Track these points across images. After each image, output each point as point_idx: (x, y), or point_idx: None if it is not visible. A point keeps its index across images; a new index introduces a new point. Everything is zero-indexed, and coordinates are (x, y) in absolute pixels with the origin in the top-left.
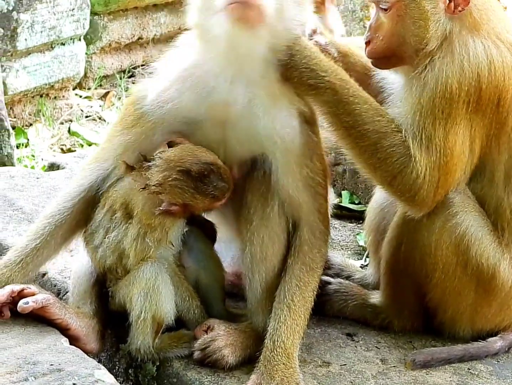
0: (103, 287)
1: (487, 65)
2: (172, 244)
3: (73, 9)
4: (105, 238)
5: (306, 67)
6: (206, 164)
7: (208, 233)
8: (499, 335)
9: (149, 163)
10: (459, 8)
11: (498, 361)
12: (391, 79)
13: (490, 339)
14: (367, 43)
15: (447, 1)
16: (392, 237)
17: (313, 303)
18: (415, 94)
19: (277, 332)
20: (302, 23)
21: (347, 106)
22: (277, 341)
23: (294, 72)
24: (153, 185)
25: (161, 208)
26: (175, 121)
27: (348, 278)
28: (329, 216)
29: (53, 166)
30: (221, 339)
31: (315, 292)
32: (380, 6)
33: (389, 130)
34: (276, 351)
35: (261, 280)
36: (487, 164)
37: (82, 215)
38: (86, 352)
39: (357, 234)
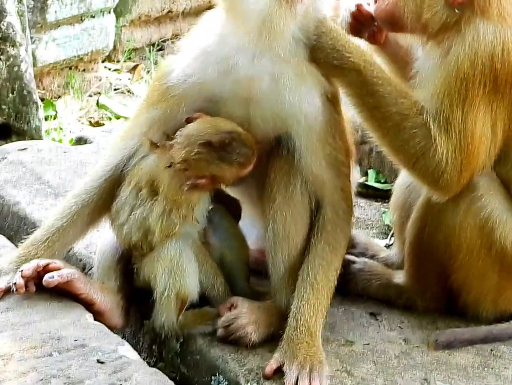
0: (128, 263)
1: (499, 45)
2: (198, 221)
3: None
4: (130, 215)
5: (332, 48)
6: (226, 132)
7: (233, 210)
8: None
9: (171, 142)
10: (459, 0)
11: None
12: (417, 58)
13: None
14: (375, 1)
15: None
16: (416, 218)
17: (336, 282)
18: (431, 76)
19: (300, 310)
20: (330, 5)
21: (370, 87)
22: (300, 319)
23: (320, 53)
24: (178, 163)
25: (189, 183)
26: (200, 97)
27: (372, 257)
28: (353, 195)
29: (80, 141)
30: (245, 316)
31: (338, 271)
32: None
33: (412, 112)
34: (299, 329)
35: (284, 258)
36: (511, 148)
37: (109, 194)
38: (111, 328)
39: (383, 213)
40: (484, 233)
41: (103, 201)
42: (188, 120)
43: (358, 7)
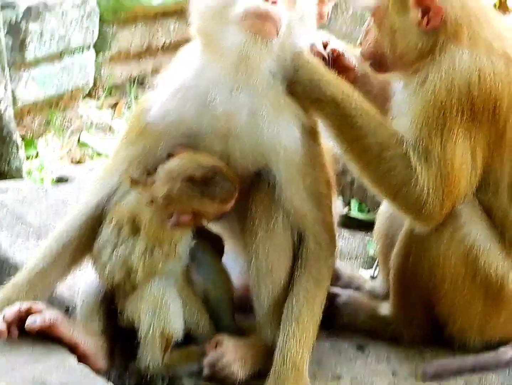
0: (111, 303)
1: (476, 72)
2: (180, 258)
3: (82, 18)
4: (112, 254)
5: (310, 80)
6: (208, 167)
7: (216, 246)
8: (509, 345)
9: (152, 178)
10: (433, 24)
11: (510, 372)
12: (395, 89)
13: (501, 349)
14: (360, 44)
15: (420, 17)
16: (400, 247)
17: (321, 315)
18: (409, 106)
19: (286, 346)
20: (306, 36)
21: (349, 119)
22: (286, 355)
23: (298, 86)
24: (159, 199)
25: (171, 220)
26: (179, 133)
27: (357, 289)
28: (335, 226)
29: (61, 179)
30: (230, 354)
31: (323, 304)
32: (368, 11)
33: (392, 142)
34: (286, 365)
35: (268, 293)
36: (491, 175)
37: (91, 233)
38: (95, 370)
39: (367, 242)
40: (468, 261)
41: (84, 240)
42: (170, 155)
43: (311, 47)
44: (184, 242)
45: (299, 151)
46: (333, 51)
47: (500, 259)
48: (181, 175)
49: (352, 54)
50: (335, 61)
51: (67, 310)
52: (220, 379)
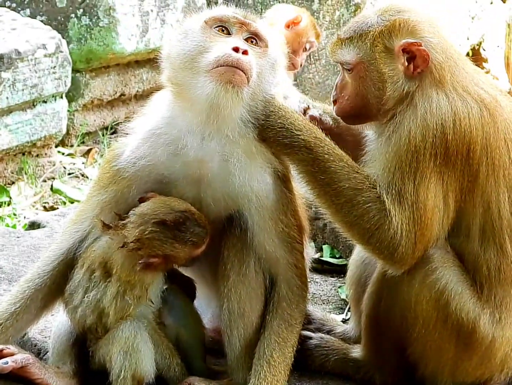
0: (83, 346)
1: (451, 116)
2: (152, 301)
3: (55, 66)
4: (84, 298)
5: (281, 126)
6: (180, 212)
7: (188, 290)
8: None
9: (124, 221)
10: (419, 70)
11: None
12: (369, 138)
13: None
14: (334, 102)
15: (406, 63)
16: (372, 292)
17: (293, 359)
18: (382, 151)
19: None
20: (276, 84)
21: (322, 164)
22: None
23: (270, 132)
24: (131, 242)
25: (141, 262)
26: (150, 179)
27: (329, 332)
28: (307, 271)
29: (33, 225)
30: None
31: (295, 348)
32: (344, 66)
33: (365, 186)
34: None
35: (239, 336)
36: (463, 219)
37: (62, 278)
38: None
39: (339, 287)
40: (440, 305)
41: (56, 285)
42: (141, 200)
43: (310, 115)
44: (156, 285)
45: (271, 197)
46: (311, 118)
47: (471, 303)
48: (152, 219)
49: (329, 115)
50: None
51: (39, 353)
52: None
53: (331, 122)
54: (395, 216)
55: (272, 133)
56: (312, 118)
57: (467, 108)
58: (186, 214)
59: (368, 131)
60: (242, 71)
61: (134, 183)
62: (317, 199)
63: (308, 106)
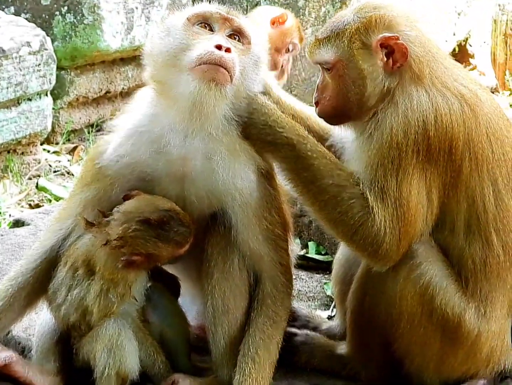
0: (67, 344)
1: (432, 113)
2: (136, 299)
3: (39, 64)
4: (67, 296)
5: (264, 124)
6: (165, 211)
7: (172, 287)
8: (466, 383)
9: (108, 219)
10: (398, 64)
11: None
12: (345, 136)
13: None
14: (316, 103)
15: (385, 58)
16: (356, 288)
17: (278, 355)
18: (364, 149)
19: None
20: (259, 82)
21: (305, 161)
22: None
23: (253, 129)
24: (114, 240)
25: (123, 259)
26: (133, 177)
27: (314, 329)
28: (292, 268)
29: (18, 223)
30: None
31: (279, 345)
32: (324, 66)
33: (349, 183)
34: None
35: (224, 333)
36: (447, 214)
37: (46, 276)
38: None
39: (325, 284)
40: (425, 300)
41: (39, 283)
42: (126, 198)
43: None
44: (139, 283)
45: (255, 194)
46: None
47: (456, 298)
48: (136, 217)
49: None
50: None
51: (23, 351)
52: None
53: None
54: (378, 212)
55: (255, 130)
56: None
57: (448, 104)
58: (170, 213)
59: (348, 130)
60: (225, 69)
61: (117, 181)
62: (300, 196)
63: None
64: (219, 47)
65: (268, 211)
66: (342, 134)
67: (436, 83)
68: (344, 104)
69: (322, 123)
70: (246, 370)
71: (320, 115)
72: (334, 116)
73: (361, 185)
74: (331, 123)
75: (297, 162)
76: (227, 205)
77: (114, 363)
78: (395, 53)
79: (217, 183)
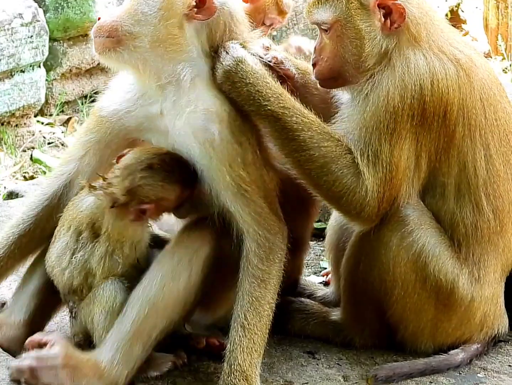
0: (46, 303)
1: (429, 77)
2: (138, 261)
3: (32, 36)
4: (72, 259)
5: (248, 94)
6: (163, 154)
7: None
8: (460, 348)
9: (109, 180)
10: (395, 25)
11: (460, 373)
12: (342, 96)
13: (451, 352)
14: (314, 65)
15: (383, 19)
16: (350, 255)
17: (271, 316)
18: (360, 110)
19: (233, 354)
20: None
21: (290, 133)
22: (234, 364)
23: (237, 98)
24: (122, 195)
25: (133, 209)
26: (125, 124)
27: (310, 296)
28: (281, 224)
29: (12, 195)
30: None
31: (272, 304)
32: (322, 27)
33: (337, 153)
34: (233, 374)
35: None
36: (438, 179)
37: (47, 223)
38: None
39: (321, 260)
40: (418, 267)
41: (40, 230)
42: (119, 157)
43: (272, 56)
44: (144, 243)
45: (218, 148)
46: (273, 57)
47: (449, 264)
48: (139, 166)
49: (293, 64)
50: (275, 69)
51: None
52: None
53: (294, 71)
54: (368, 178)
55: (239, 99)
56: (274, 58)
57: (444, 69)
58: (169, 155)
59: (344, 93)
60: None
61: (112, 126)
62: (287, 162)
63: (270, 46)
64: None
65: (233, 166)
66: (341, 93)
67: (433, 47)
68: (342, 65)
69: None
70: (236, 338)
71: (317, 77)
72: (331, 78)
73: (351, 152)
74: (327, 87)
75: (282, 133)
76: (199, 161)
77: (110, 326)
78: (392, 14)
79: (189, 138)
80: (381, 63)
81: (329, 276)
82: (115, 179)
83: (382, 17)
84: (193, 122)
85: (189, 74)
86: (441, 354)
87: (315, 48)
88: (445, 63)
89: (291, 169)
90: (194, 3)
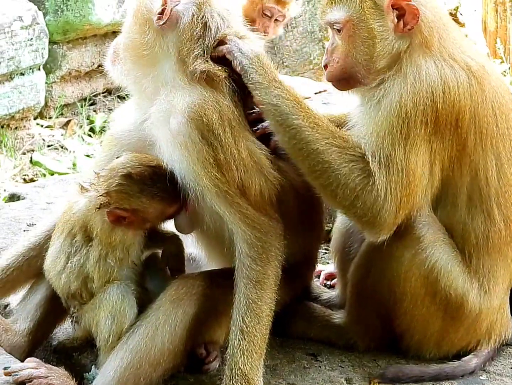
0: (51, 312)
1: (440, 85)
2: (135, 263)
3: (31, 39)
4: (67, 264)
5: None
6: (148, 166)
7: (173, 249)
8: (472, 353)
9: (97, 178)
10: (408, 27)
11: (462, 376)
12: (353, 103)
13: (464, 358)
14: (325, 66)
15: (396, 20)
16: (359, 265)
17: (272, 316)
18: (372, 115)
19: (233, 358)
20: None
21: (298, 135)
22: (234, 368)
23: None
24: (100, 196)
25: (107, 210)
26: (128, 142)
27: (315, 299)
28: (272, 222)
29: (13, 197)
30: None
31: (271, 305)
32: (334, 27)
33: (348, 156)
34: (235, 378)
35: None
36: (450, 188)
37: None
38: None
39: (322, 257)
40: (429, 282)
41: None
42: (117, 158)
43: None
44: (137, 246)
45: (193, 150)
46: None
47: (460, 280)
48: (120, 172)
49: None
50: None
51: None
52: None
53: None
54: (381, 179)
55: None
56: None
57: (456, 77)
58: (154, 168)
59: (356, 96)
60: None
61: (118, 145)
62: (295, 162)
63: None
64: None
65: (207, 168)
66: (351, 98)
67: (444, 53)
68: (353, 65)
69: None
70: (235, 342)
71: (329, 79)
72: (342, 79)
73: (363, 150)
74: (339, 88)
75: (286, 132)
76: (176, 168)
77: (117, 330)
78: (406, 15)
79: (163, 147)
80: (392, 68)
81: (334, 280)
82: (101, 178)
83: (395, 18)
84: (168, 128)
85: (162, 82)
86: (454, 361)
87: (327, 49)
88: (457, 71)
89: (301, 171)
90: (159, 12)
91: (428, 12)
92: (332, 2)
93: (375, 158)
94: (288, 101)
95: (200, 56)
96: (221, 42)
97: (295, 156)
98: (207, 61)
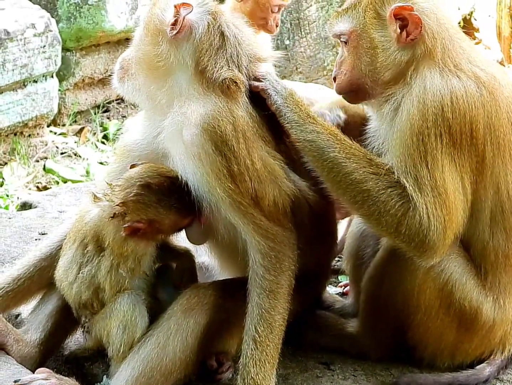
0: (63, 322)
1: (447, 94)
2: (146, 274)
3: (44, 46)
4: (79, 274)
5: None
6: (166, 177)
7: (185, 263)
8: (486, 362)
9: (112, 188)
10: (411, 37)
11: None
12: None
13: (478, 367)
14: (334, 79)
15: (398, 30)
16: (373, 275)
17: (284, 326)
18: (387, 137)
19: (246, 368)
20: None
21: (334, 167)
22: (247, 378)
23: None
24: (116, 205)
25: (125, 226)
26: (141, 153)
27: (328, 308)
28: (286, 233)
29: (25, 206)
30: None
31: (284, 315)
32: (341, 39)
33: (381, 174)
34: None
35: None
36: (475, 203)
37: None
38: None
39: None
40: (443, 295)
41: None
42: (132, 166)
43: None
44: (149, 257)
45: (207, 162)
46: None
47: (475, 293)
48: (138, 182)
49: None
50: None
51: (17, 316)
52: None
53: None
54: (419, 201)
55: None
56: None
57: (463, 87)
58: (172, 179)
59: (370, 113)
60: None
61: (130, 156)
62: (332, 192)
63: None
64: None
65: (221, 179)
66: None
67: (448, 64)
68: (359, 77)
69: None
70: (248, 352)
71: (338, 91)
72: (351, 91)
73: (395, 174)
74: (350, 101)
75: (324, 166)
76: (190, 179)
77: (128, 339)
78: (409, 26)
79: (177, 159)
80: (398, 82)
81: (347, 287)
82: (117, 187)
83: (398, 28)
84: (182, 140)
85: (176, 93)
86: (468, 369)
87: (336, 62)
88: (464, 81)
89: (343, 204)
90: (172, 23)
91: (432, 22)
92: (339, 15)
93: (408, 182)
94: (323, 136)
95: (225, 66)
96: (256, 78)
97: (336, 190)
98: (232, 70)
